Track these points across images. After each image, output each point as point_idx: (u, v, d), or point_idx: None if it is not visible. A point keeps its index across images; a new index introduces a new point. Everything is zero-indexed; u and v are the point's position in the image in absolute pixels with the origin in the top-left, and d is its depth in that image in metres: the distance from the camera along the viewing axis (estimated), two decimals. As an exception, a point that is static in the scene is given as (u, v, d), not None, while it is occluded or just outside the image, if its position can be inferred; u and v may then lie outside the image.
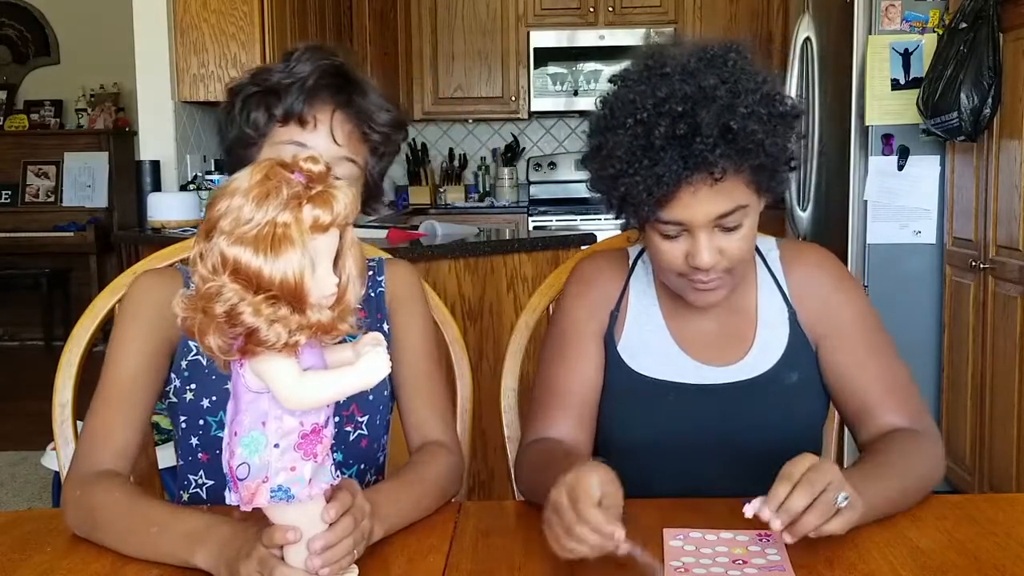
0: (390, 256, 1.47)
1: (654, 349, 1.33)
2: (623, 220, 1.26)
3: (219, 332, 0.84)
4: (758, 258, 1.35)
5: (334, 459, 1.29)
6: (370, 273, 1.38)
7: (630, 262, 1.39)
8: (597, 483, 0.97)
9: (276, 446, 0.87)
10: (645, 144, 1.14)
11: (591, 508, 0.95)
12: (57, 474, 2.17)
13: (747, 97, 1.14)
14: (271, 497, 0.88)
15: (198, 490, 1.31)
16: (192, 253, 0.86)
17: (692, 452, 1.29)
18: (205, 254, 0.84)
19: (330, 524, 0.93)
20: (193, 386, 1.26)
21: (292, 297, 0.83)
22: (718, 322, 1.33)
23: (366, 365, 0.88)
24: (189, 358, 1.27)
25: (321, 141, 1.24)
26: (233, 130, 1.28)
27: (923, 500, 1.20)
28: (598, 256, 1.42)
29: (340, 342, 0.92)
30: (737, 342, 1.32)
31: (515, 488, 1.35)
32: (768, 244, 1.37)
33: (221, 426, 1.26)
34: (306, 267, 0.83)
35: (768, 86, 1.18)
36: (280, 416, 0.88)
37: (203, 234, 0.85)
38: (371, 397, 1.32)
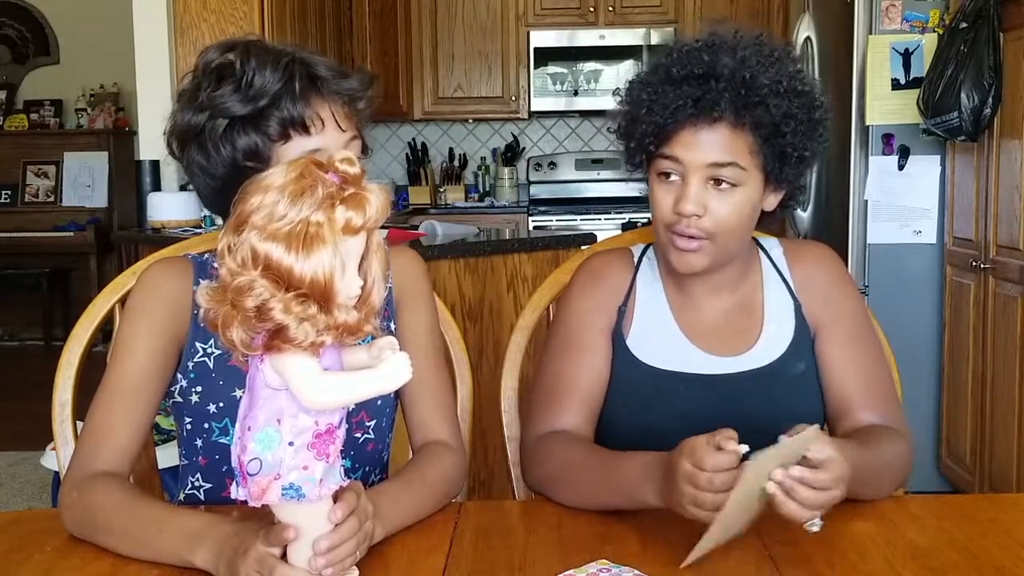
0: (395, 245, 1.45)
1: (663, 341, 1.34)
2: (631, 160, 1.32)
3: (245, 326, 0.84)
4: (762, 254, 1.39)
5: (343, 464, 1.29)
6: None
7: (635, 260, 1.41)
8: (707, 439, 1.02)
9: (290, 444, 0.88)
10: (664, 77, 1.25)
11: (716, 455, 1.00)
12: (57, 474, 2.17)
13: (773, 70, 1.22)
14: (282, 495, 0.88)
15: (195, 491, 1.30)
16: (220, 245, 0.85)
17: None
18: (234, 247, 0.84)
19: (336, 524, 0.93)
20: (199, 389, 1.25)
21: (321, 296, 0.83)
22: (725, 316, 1.35)
23: (389, 369, 0.88)
24: (196, 359, 1.25)
25: (331, 138, 1.20)
26: (222, 168, 1.19)
27: (890, 493, 1.22)
28: (604, 254, 1.44)
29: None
30: (744, 334, 1.34)
31: (517, 484, 1.33)
32: (771, 242, 1.41)
33: (224, 432, 1.26)
34: (336, 267, 0.83)
35: (799, 76, 1.25)
36: (296, 414, 0.88)
37: (232, 227, 0.84)
38: (379, 402, 1.32)
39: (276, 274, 0.82)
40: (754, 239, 1.39)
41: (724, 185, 1.22)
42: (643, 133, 1.25)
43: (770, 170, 1.25)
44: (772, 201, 1.30)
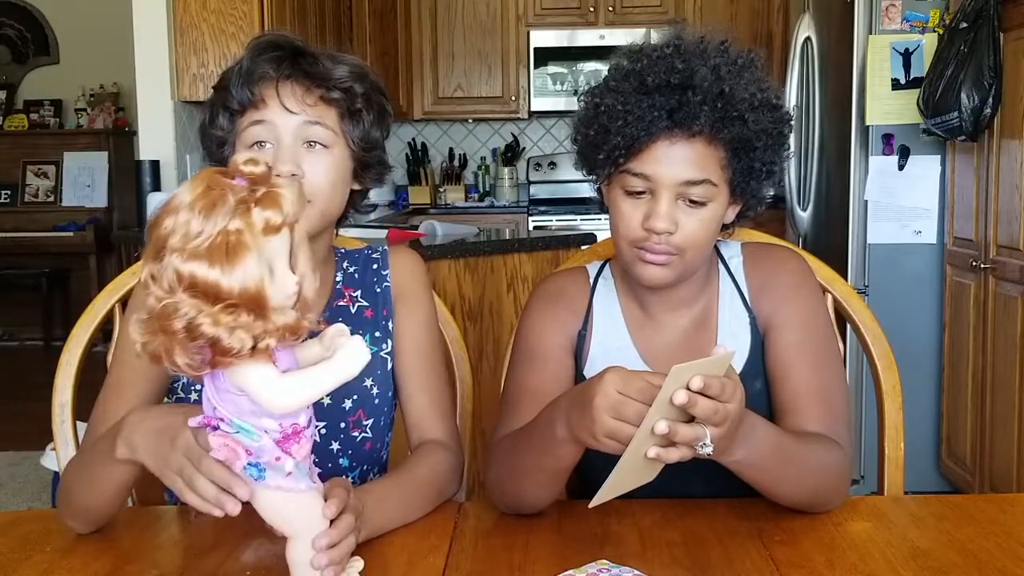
0: (393, 245, 1.45)
1: (620, 365, 1.29)
2: (590, 170, 1.26)
3: (183, 349, 0.83)
4: (721, 266, 1.34)
5: (340, 464, 1.29)
6: (374, 267, 1.37)
7: (591, 280, 1.37)
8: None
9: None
10: (638, 86, 1.18)
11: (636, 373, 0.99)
12: (57, 474, 2.17)
13: (745, 79, 1.18)
14: (244, 470, 0.89)
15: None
16: (143, 275, 0.84)
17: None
18: (157, 275, 0.82)
19: (331, 521, 0.94)
20: (200, 387, 1.25)
21: (254, 304, 0.82)
22: (683, 334, 1.31)
23: (346, 357, 0.87)
24: None
25: (276, 116, 1.21)
26: (207, 141, 1.28)
27: (811, 502, 1.16)
28: (559, 275, 1.40)
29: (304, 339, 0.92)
30: (700, 352, 1.26)
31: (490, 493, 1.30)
32: (732, 250, 1.35)
33: None
34: (264, 272, 0.82)
35: (768, 87, 1.21)
36: (260, 417, 0.88)
37: (151, 255, 0.83)
38: (376, 400, 1.32)
39: (203, 292, 0.81)
40: (715, 247, 1.33)
41: (695, 202, 1.18)
42: (614, 145, 1.18)
43: (736, 184, 1.22)
44: (731, 214, 1.26)
